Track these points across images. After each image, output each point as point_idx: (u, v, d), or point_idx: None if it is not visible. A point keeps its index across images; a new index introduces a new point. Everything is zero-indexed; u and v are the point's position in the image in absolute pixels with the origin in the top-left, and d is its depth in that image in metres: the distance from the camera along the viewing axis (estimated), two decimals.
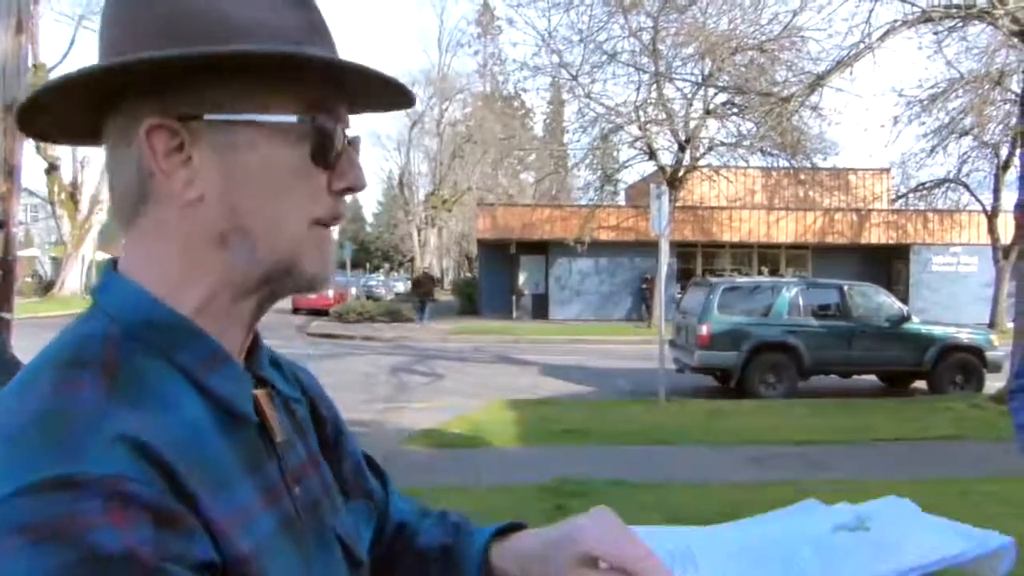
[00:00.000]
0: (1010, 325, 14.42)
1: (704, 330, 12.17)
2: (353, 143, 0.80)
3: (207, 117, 0.71)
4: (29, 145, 11.08)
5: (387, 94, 0.80)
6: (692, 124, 23.24)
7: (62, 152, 32.33)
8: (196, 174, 0.71)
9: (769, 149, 22.37)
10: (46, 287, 35.55)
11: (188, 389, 0.70)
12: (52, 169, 32.78)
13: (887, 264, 28.59)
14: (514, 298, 28.56)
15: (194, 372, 0.71)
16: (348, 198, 0.79)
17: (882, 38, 11.64)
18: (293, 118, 0.73)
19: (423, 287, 28.00)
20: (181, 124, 0.71)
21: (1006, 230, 21.51)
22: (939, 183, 25.49)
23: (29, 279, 37.32)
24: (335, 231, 0.81)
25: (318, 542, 0.77)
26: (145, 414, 0.64)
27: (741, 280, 14.52)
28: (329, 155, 0.75)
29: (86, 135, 0.78)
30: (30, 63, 6.59)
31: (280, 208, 0.73)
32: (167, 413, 0.66)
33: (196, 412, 0.69)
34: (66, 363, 0.66)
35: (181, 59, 0.69)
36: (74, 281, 33.72)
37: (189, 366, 0.71)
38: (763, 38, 17.87)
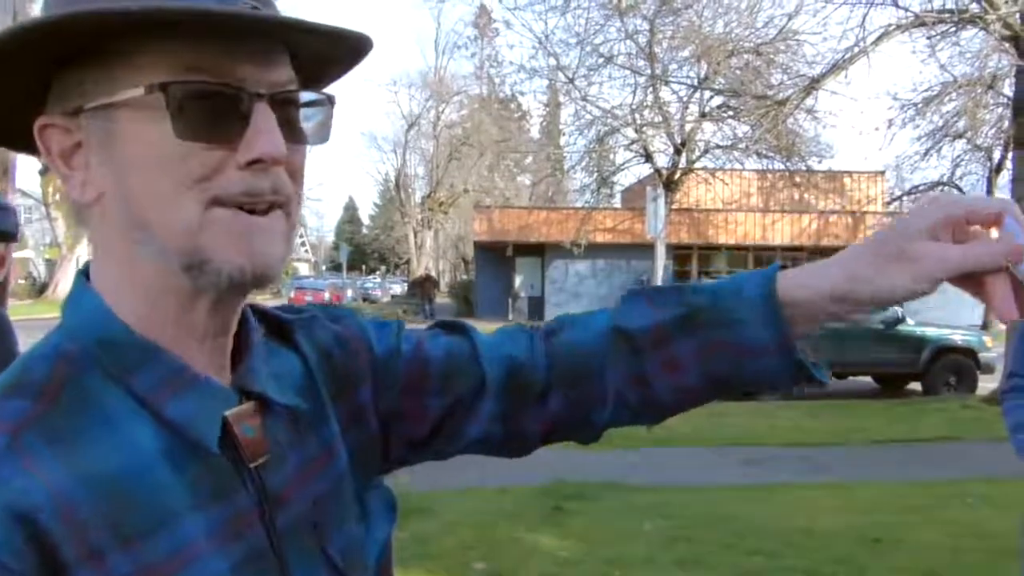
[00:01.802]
0: (1002, 327, 14.49)
1: None
2: (288, 101, 0.67)
3: (87, 106, 0.64)
4: None
5: (328, 45, 0.68)
6: (688, 127, 23.27)
7: None
8: (91, 173, 0.65)
9: (765, 152, 22.40)
10: (40, 289, 35.47)
11: (141, 417, 0.64)
12: (46, 170, 32.55)
13: None
14: (510, 300, 28.58)
15: (149, 396, 0.65)
16: (281, 170, 0.65)
17: (876, 42, 11.71)
18: (139, 90, 0.61)
19: (426, 287, 30.65)
20: (70, 119, 0.65)
21: None
22: (933, 186, 25.57)
23: (23, 281, 37.26)
24: (279, 216, 0.66)
25: (299, 570, 0.70)
26: (65, 455, 0.60)
27: None
28: (202, 127, 0.62)
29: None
30: None
31: (164, 193, 0.62)
32: (99, 450, 0.61)
33: (143, 444, 0.63)
34: (5, 386, 0.63)
35: (12, 36, 0.60)
36: (68, 283, 33.26)
37: (143, 389, 0.65)
38: (759, 41, 17.91)
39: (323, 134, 0.71)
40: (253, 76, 0.64)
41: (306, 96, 0.69)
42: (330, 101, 0.70)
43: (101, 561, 0.59)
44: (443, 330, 0.90)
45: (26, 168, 40.68)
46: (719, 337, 0.78)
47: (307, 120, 0.69)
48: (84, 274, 0.71)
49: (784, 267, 0.78)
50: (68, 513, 0.58)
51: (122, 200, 0.64)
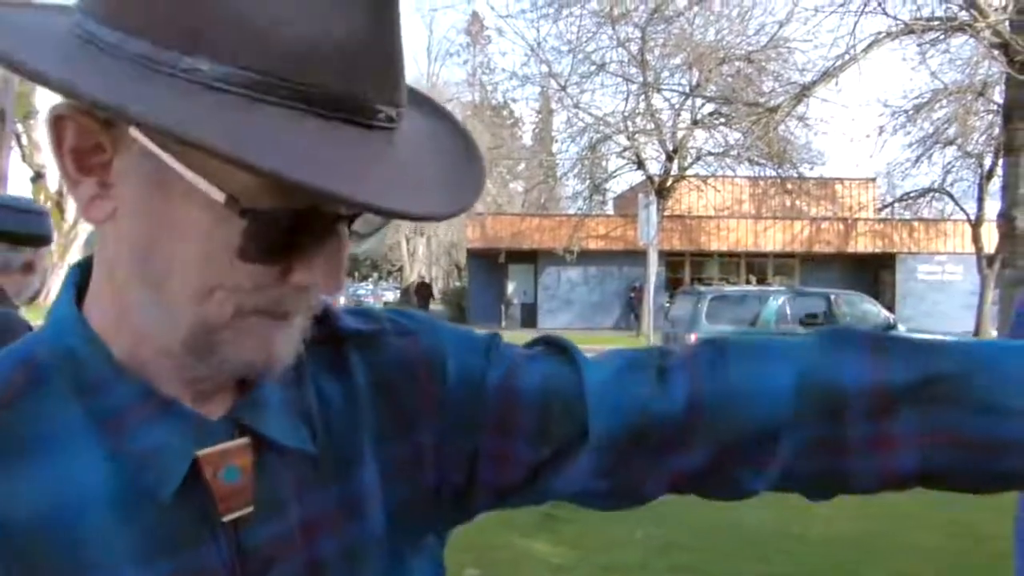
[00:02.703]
0: (994, 333, 14.54)
1: (692, 339, 12.21)
2: (360, 221, 0.57)
3: (133, 133, 0.51)
4: (15, 153, 11.05)
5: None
6: (680, 134, 23.37)
7: (48, 160, 32.19)
8: (112, 187, 0.54)
9: (756, 159, 22.53)
10: (32, 295, 35.33)
11: (95, 445, 0.55)
12: (38, 177, 32.57)
13: (873, 273, 28.76)
14: (503, 307, 28.56)
15: (110, 422, 0.56)
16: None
17: (867, 49, 11.78)
18: (221, 197, 0.50)
19: (422, 294, 31.78)
20: (102, 126, 0.53)
21: (990, 239, 21.68)
22: (924, 192, 25.72)
23: None
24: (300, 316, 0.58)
25: None
26: (4, 471, 0.54)
27: (729, 289, 14.60)
28: (271, 254, 0.53)
29: None
30: None
31: (199, 284, 0.53)
32: (33, 476, 0.54)
33: (89, 478, 0.54)
34: None
35: (46, 84, 0.47)
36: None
37: (104, 412, 0.56)
38: (750, 49, 18.04)
39: (368, 249, 0.62)
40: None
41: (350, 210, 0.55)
42: (387, 223, 0.61)
43: None
44: (544, 349, 0.73)
45: (17, 176, 40.56)
46: (968, 423, 0.62)
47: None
48: (78, 269, 0.62)
49: None
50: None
51: (141, 248, 0.54)
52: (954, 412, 0.62)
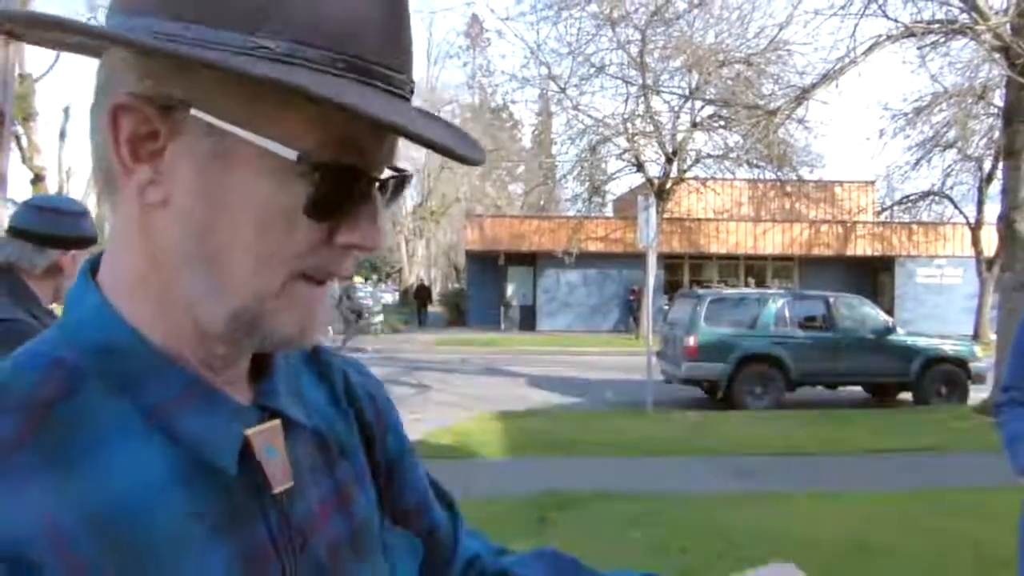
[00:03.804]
0: (994, 337, 14.52)
1: (691, 341, 12.20)
2: (398, 184, 0.65)
3: (195, 112, 0.56)
4: (15, 155, 11.03)
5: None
6: (679, 136, 23.37)
7: (48, 163, 32.18)
8: (165, 173, 0.58)
9: (756, 161, 22.53)
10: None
11: (148, 433, 0.58)
12: (38, 180, 32.54)
13: (872, 276, 28.76)
14: (502, 309, 28.55)
15: (159, 410, 0.58)
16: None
17: (867, 52, 11.76)
18: (293, 154, 0.56)
19: (421, 296, 32.09)
20: (160, 112, 0.57)
21: (989, 242, 21.68)
22: (923, 196, 25.71)
23: None
24: (333, 285, 0.65)
25: None
26: (64, 478, 0.53)
27: (728, 292, 14.57)
28: (332, 209, 0.59)
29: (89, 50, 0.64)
30: (16, 73, 6.57)
31: (256, 251, 0.58)
32: (99, 472, 0.55)
33: (149, 465, 0.57)
34: None
35: (152, 51, 0.54)
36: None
37: (154, 402, 0.58)
38: (750, 51, 18.04)
39: (393, 207, 0.70)
40: (381, 158, 0.62)
41: (391, 171, 0.65)
42: (408, 181, 0.68)
43: None
44: (437, 496, 0.91)
45: (17, 178, 40.55)
46: None
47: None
48: (91, 267, 0.64)
49: None
50: (64, 550, 0.51)
51: (196, 227, 0.58)
52: None
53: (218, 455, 0.60)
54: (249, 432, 0.62)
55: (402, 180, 0.65)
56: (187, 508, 0.57)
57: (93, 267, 0.64)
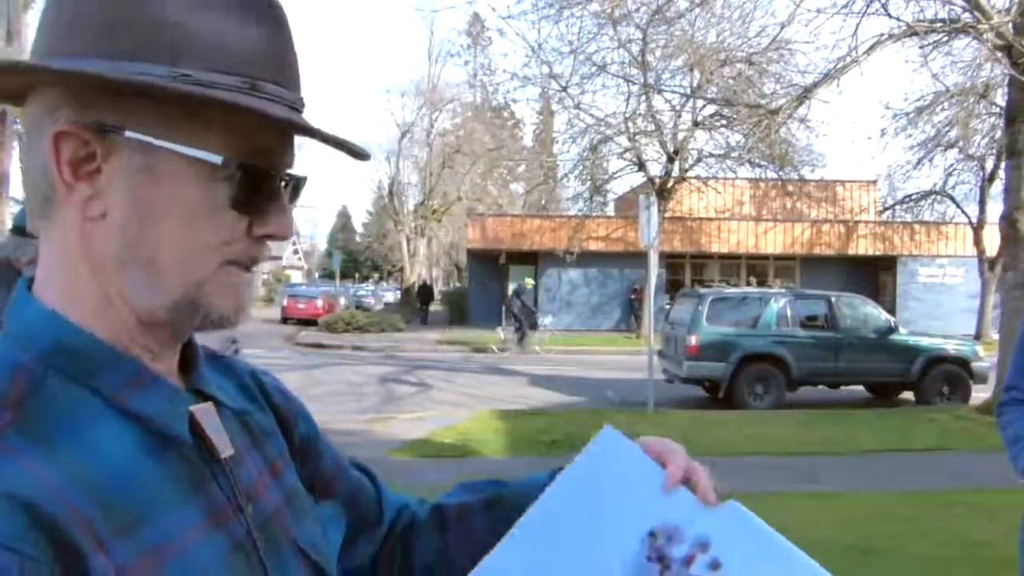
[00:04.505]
0: (995, 336, 14.51)
1: (693, 341, 12.20)
2: (296, 184, 0.76)
3: (128, 134, 0.66)
4: (17, 155, 11.01)
5: (336, 146, 0.75)
6: (681, 135, 23.33)
7: None
8: (102, 190, 0.67)
9: (757, 161, 22.49)
10: None
11: (111, 415, 0.66)
12: None
13: (874, 275, 28.73)
14: (503, 308, 28.55)
15: (116, 396, 0.67)
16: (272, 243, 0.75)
17: (868, 51, 11.73)
18: (219, 159, 0.68)
19: (422, 294, 32.53)
20: (97, 136, 0.66)
21: (991, 242, 21.66)
22: (925, 195, 25.66)
23: None
24: (259, 270, 0.76)
25: (276, 561, 0.73)
26: (49, 454, 0.60)
27: (729, 291, 14.57)
28: (252, 202, 0.70)
29: (12, 97, 0.72)
30: None
31: (189, 247, 0.68)
32: (78, 448, 0.62)
33: (119, 440, 0.65)
34: None
35: (87, 80, 0.64)
36: None
37: (110, 390, 0.66)
38: (751, 50, 17.99)
39: (296, 203, 0.79)
40: (283, 160, 0.74)
41: (294, 173, 0.77)
42: (304, 182, 0.79)
43: (106, 552, 0.59)
44: (358, 468, 1.01)
45: (18, 178, 40.57)
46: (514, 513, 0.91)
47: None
48: (27, 284, 0.72)
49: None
50: (71, 505, 0.58)
51: (133, 233, 0.67)
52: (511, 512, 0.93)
53: (173, 427, 0.69)
54: (193, 408, 0.72)
55: (300, 180, 0.77)
56: (159, 472, 0.66)
57: (29, 284, 0.72)
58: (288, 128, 0.71)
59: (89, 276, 0.68)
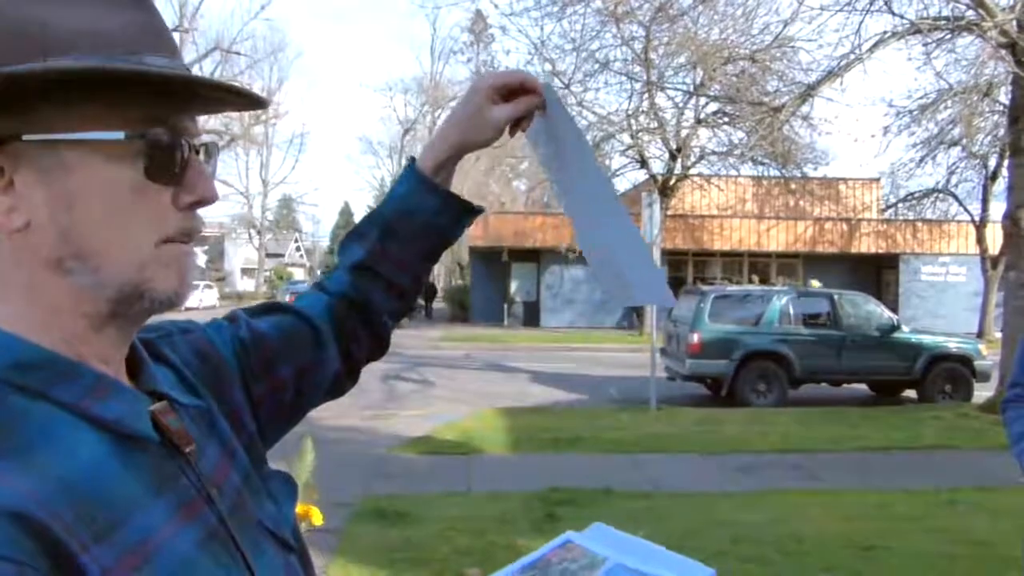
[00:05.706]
0: (998, 335, 14.50)
1: (695, 338, 12.19)
2: (207, 149, 0.76)
3: (26, 137, 0.65)
4: None
5: (235, 96, 0.75)
6: (683, 133, 23.32)
7: None
8: (20, 200, 0.66)
9: (760, 158, 22.45)
10: None
11: (76, 424, 0.66)
12: None
13: (877, 273, 28.72)
14: (506, 306, 28.56)
15: (79, 405, 0.67)
16: (202, 211, 0.75)
17: (872, 49, 11.72)
18: (120, 135, 0.67)
19: (426, 292, 31.89)
20: None
21: (994, 240, 21.63)
22: (928, 193, 25.63)
23: None
24: (198, 246, 0.76)
25: (251, 543, 0.75)
26: (23, 467, 0.60)
27: (732, 289, 14.56)
28: (168, 170, 0.70)
29: None
30: None
31: (119, 230, 0.68)
32: (50, 458, 0.62)
33: (88, 447, 0.65)
34: None
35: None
36: None
37: (72, 400, 0.66)
38: (754, 48, 17.94)
39: (214, 173, 0.79)
40: (188, 129, 0.73)
41: (203, 140, 0.77)
42: (217, 148, 0.80)
43: (89, 554, 0.60)
44: (261, 313, 1.03)
45: None
46: (411, 227, 1.06)
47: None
48: None
49: (413, 160, 1.07)
50: (54, 511, 0.59)
51: (58, 231, 0.66)
52: (406, 226, 1.07)
53: (139, 429, 0.70)
54: (152, 407, 0.73)
55: (211, 145, 0.77)
56: (129, 474, 0.67)
57: None
58: (181, 89, 0.70)
59: (31, 288, 0.68)
